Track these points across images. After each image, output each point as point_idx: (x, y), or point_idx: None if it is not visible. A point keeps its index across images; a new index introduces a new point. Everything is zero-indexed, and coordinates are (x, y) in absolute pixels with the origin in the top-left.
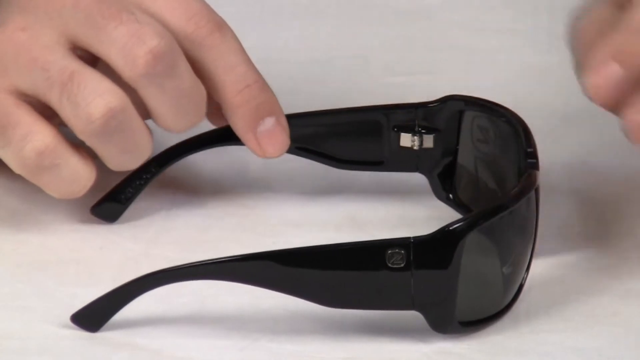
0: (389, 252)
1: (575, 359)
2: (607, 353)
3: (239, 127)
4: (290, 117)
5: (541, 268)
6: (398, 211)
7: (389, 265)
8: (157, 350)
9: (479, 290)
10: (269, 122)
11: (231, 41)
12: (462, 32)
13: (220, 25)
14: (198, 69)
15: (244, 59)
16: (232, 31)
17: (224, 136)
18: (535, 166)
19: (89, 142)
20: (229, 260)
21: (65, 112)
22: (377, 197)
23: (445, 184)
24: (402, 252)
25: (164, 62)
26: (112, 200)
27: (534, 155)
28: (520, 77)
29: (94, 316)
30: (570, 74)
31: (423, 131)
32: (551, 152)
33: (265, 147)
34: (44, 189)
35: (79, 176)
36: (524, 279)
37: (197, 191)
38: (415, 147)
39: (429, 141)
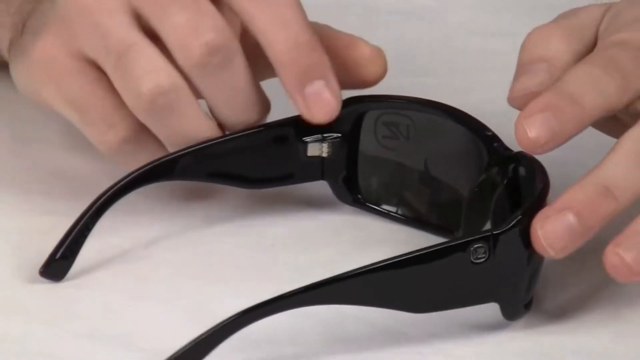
0: (473, 247)
1: None
2: (608, 355)
3: (287, 86)
4: (200, 145)
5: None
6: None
7: (473, 260)
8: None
9: (536, 276)
10: (317, 85)
11: None
12: (459, 33)
13: None
14: (252, 25)
15: (299, 16)
16: None
17: (157, 174)
18: (507, 149)
19: (140, 118)
20: (324, 284)
21: (118, 84)
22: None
23: (351, 186)
24: (484, 245)
25: (218, 56)
26: (59, 258)
27: (496, 137)
28: None
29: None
30: None
31: (329, 137)
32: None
33: (312, 110)
34: (123, 167)
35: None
36: None
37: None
38: (323, 154)
39: (334, 147)
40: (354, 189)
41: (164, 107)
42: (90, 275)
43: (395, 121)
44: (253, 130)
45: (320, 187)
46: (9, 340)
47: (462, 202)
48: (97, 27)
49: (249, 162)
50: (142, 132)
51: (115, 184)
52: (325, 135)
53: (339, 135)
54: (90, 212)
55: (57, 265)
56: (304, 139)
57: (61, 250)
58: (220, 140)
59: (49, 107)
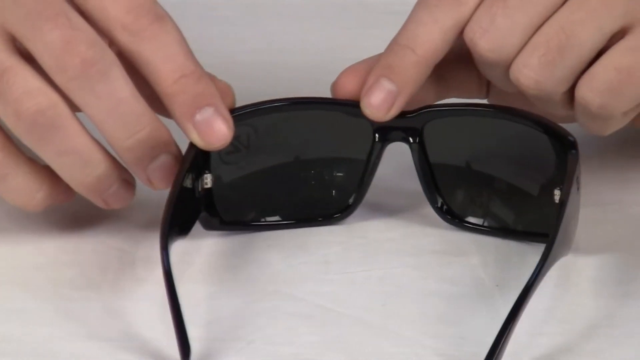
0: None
1: None
2: (602, 356)
3: (177, 116)
4: None
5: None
6: None
7: None
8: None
9: None
10: (207, 112)
11: (171, 32)
12: None
13: (160, 17)
14: (137, 61)
15: (183, 49)
16: (172, 23)
17: None
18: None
19: (25, 141)
20: None
21: None
22: None
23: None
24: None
25: (94, 69)
26: None
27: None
28: None
29: None
30: None
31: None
32: None
33: (204, 137)
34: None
35: (28, 188)
36: None
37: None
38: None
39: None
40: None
41: (45, 126)
42: (90, 276)
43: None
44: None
45: None
46: (7, 340)
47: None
48: None
49: None
50: (13, 153)
51: None
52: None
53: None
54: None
55: None
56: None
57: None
58: None
59: None
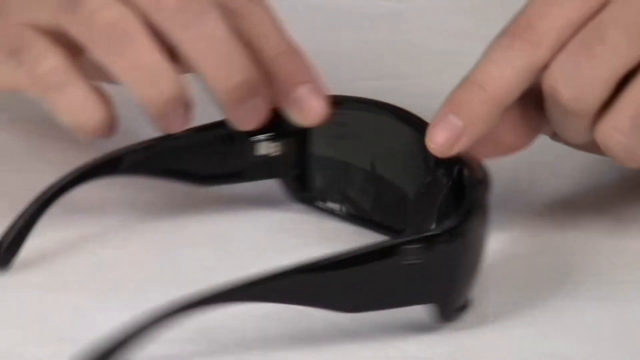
0: (404, 249)
1: None
2: (576, 358)
3: (279, 92)
4: (147, 143)
5: (511, 271)
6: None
7: (405, 262)
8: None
9: (472, 277)
10: (305, 88)
11: (264, 10)
12: (425, 36)
13: None
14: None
15: (278, 28)
16: (264, 1)
17: (103, 170)
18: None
19: (96, 53)
20: (256, 282)
21: (68, 19)
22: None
23: (300, 185)
24: (417, 248)
25: (191, 5)
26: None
27: None
28: None
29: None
30: None
31: (275, 136)
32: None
33: (305, 112)
34: (55, 112)
35: (87, 106)
36: None
37: (85, 228)
38: (271, 154)
39: (282, 146)
40: (303, 188)
41: (117, 38)
42: (57, 277)
43: (345, 121)
44: (199, 127)
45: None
46: None
47: (408, 202)
48: None
49: (197, 159)
50: (73, 69)
51: (61, 179)
52: (272, 134)
53: (289, 133)
54: (34, 205)
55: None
56: (251, 138)
57: (6, 242)
58: (167, 137)
59: None
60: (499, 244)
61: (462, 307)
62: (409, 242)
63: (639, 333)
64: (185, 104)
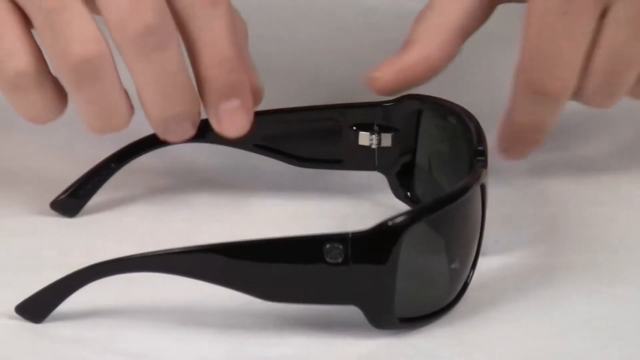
0: (327, 246)
1: None
2: (596, 358)
3: (204, 100)
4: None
5: (524, 271)
6: (356, 209)
7: (327, 260)
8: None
9: (421, 286)
10: (232, 103)
11: (220, 16)
12: None
13: (214, 0)
14: (182, 34)
15: (227, 36)
16: (226, 7)
17: (198, 134)
18: (483, 164)
19: (62, 79)
20: (170, 253)
21: (45, 38)
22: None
23: (404, 182)
24: (340, 246)
25: (155, 37)
26: (70, 196)
27: (483, 153)
28: (504, 79)
29: (38, 307)
30: None
31: (380, 130)
32: None
33: (223, 125)
34: (14, 108)
35: (48, 106)
36: (469, 277)
37: (153, 187)
38: (373, 146)
39: (387, 140)
40: (406, 185)
41: (87, 74)
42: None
43: (442, 124)
44: (308, 107)
45: None
46: None
47: None
48: None
49: (300, 139)
50: (42, 73)
51: (145, 138)
52: (378, 127)
53: (394, 128)
54: (114, 158)
55: (68, 202)
56: (356, 125)
57: (73, 189)
58: (273, 111)
59: None
60: (497, 241)
61: (409, 320)
62: (330, 239)
63: (634, 330)
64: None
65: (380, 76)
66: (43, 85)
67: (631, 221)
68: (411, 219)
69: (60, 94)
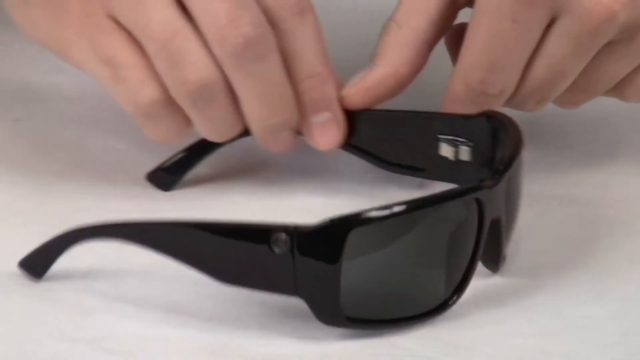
0: (274, 236)
1: None
2: (581, 357)
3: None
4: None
5: (510, 270)
6: None
7: (273, 249)
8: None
9: (373, 288)
10: (323, 116)
11: (308, 28)
12: None
13: (302, 10)
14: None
15: (316, 47)
16: (314, 17)
17: None
18: (491, 183)
19: (179, 101)
20: (139, 224)
21: (160, 66)
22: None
23: None
24: (286, 237)
25: (254, 50)
26: (166, 171)
27: (501, 173)
28: None
29: (37, 263)
30: None
31: (460, 143)
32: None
33: (314, 138)
34: (146, 132)
35: (177, 129)
36: (451, 299)
37: (244, 173)
38: (451, 158)
39: (465, 154)
40: None
41: (203, 98)
42: (65, 277)
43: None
44: (397, 110)
45: None
46: None
47: None
48: (140, 3)
49: (389, 142)
50: (171, 100)
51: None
52: (458, 139)
53: (473, 142)
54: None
55: (163, 177)
56: (438, 135)
57: (169, 163)
58: (367, 111)
59: (75, 63)
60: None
61: (363, 321)
62: (277, 229)
63: (621, 331)
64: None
65: (349, 94)
66: (173, 111)
67: (620, 221)
68: (358, 219)
69: (186, 117)
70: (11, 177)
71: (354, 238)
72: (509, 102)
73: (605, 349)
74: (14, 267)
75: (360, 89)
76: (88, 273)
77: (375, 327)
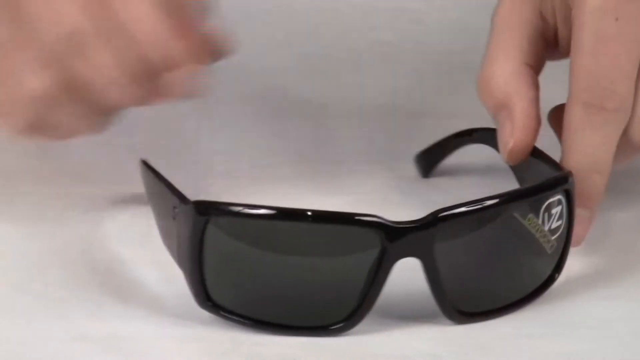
0: (176, 209)
1: None
2: (591, 358)
3: None
4: None
5: None
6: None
7: (172, 214)
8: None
9: (234, 281)
10: None
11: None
12: (445, 35)
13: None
14: None
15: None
16: None
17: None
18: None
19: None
20: None
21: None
22: None
23: None
24: (177, 210)
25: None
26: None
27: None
28: None
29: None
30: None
31: None
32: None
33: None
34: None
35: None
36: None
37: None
38: None
39: None
40: None
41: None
42: (78, 277)
43: None
44: None
45: None
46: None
47: None
48: None
49: None
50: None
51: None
52: None
53: None
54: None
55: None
56: None
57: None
58: None
59: None
60: None
61: (231, 312)
62: (176, 202)
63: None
64: None
65: (513, 150)
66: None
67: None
68: (217, 209)
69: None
70: None
71: (212, 226)
72: (629, 130)
73: (620, 349)
74: (30, 270)
75: (519, 139)
76: (102, 272)
77: (240, 320)
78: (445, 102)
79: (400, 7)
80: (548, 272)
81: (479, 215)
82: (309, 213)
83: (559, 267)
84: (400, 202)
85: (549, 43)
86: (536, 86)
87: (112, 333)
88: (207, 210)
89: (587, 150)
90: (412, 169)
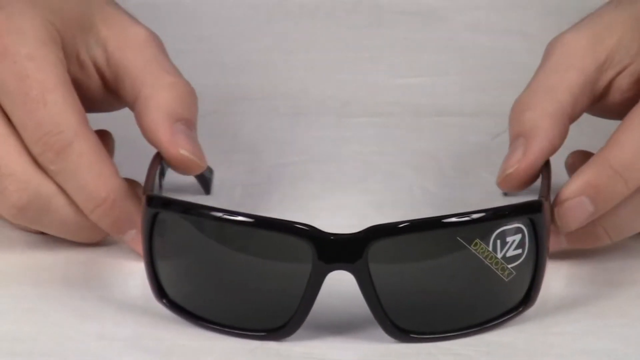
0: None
1: None
2: (616, 355)
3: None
4: None
5: (549, 270)
6: None
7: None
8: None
9: (183, 277)
10: (130, 234)
11: (79, 159)
12: (466, 32)
13: (64, 145)
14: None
15: (94, 173)
16: (83, 144)
17: None
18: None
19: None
20: None
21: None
22: None
23: None
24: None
25: (31, 212)
26: None
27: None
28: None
29: None
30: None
31: None
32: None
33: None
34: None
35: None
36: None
37: None
38: None
39: None
40: None
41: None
42: (100, 276)
43: None
44: None
45: None
46: (20, 340)
47: None
48: None
49: None
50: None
51: None
52: None
53: None
54: None
55: None
56: None
57: None
58: None
59: None
60: None
61: (182, 309)
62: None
63: None
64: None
65: (511, 178)
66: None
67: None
68: (164, 204)
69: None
70: None
71: (159, 221)
72: None
73: None
74: (56, 269)
75: (522, 169)
76: (127, 273)
77: (186, 316)
78: (469, 101)
79: (425, 4)
80: (510, 300)
81: (417, 236)
82: (251, 219)
83: (527, 298)
84: (426, 202)
85: (595, 98)
86: (563, 138)
87: (136, 332)
88: (156, 203)
89: (631, 149)
90: (437, 168)
